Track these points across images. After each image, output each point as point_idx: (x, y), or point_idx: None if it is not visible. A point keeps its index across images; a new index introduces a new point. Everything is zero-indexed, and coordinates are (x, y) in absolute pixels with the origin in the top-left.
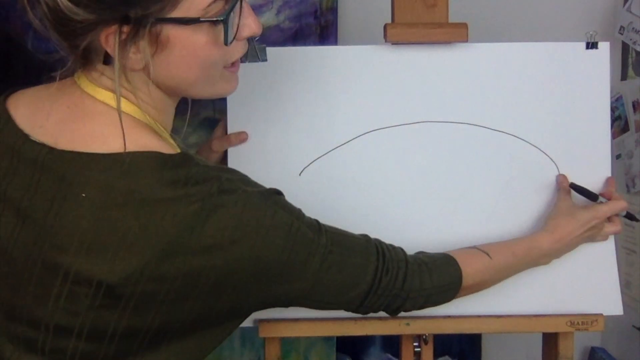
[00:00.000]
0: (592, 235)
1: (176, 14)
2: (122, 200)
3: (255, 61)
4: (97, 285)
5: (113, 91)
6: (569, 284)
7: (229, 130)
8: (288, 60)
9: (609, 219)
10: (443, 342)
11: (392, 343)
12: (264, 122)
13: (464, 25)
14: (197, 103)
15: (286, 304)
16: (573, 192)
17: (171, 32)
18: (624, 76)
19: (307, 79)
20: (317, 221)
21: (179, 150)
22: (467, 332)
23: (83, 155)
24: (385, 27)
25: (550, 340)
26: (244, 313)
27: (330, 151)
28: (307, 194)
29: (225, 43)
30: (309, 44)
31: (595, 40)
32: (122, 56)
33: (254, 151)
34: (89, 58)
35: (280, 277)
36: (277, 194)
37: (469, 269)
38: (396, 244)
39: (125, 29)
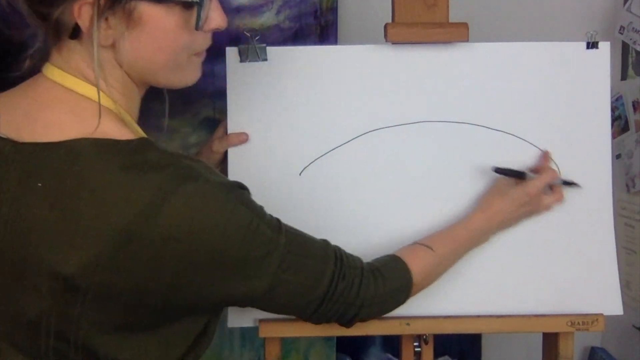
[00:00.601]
0: (532, 210)
1: None
2: (75, 188)
3: (255, 61)
4: (55, 278)
5: (77, 75)
6: (569, 284)
7: (229, 131)
8: (288, 60)
9: (552, 189)
10: (443, 342)
11: (392, 343)
12: (264, 122)
13: (464, 25)
14: (197, 103)
15: (244, 304)
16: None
17: (145, 10)
18: (624, 76)
19: (307, 79)
20: (278, 220)
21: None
22: (467, 332)
23: (41, 146)
24: (385, 27)
25: (550, 340)
26: (203, 310)
27: (330, 151)
28: (307, 194)
29: (197, 27)
30: (309, 44)
31: (596, 40)
32: (92, 30)
33: (254, 151)
34: (59, 32)
35: (237, 274)
36: (240, 188)
37: (416, 267)
38: (396, 244)
39: (102, 2)
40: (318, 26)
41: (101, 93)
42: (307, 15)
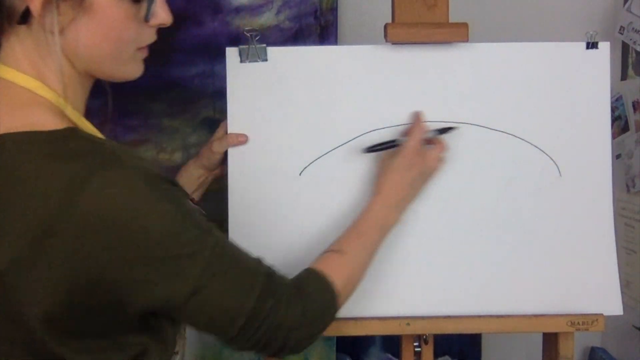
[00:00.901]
0: (421, 171)
1: None
2: (3, 181)
3: (255, 61)
4: None
5: (18, 67)
6: (569, 284)
7: (229, 131)
8: (288, 60)
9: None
10: (443, 342)
11: (392, 343)
12: (264, 122)
13: (464, 25)
14: (197, 103)
15: (170, 311)
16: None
17: None
18: (624, 76)
19: (307, 79)
20: (209, 224)
21: (87, 131)
22: (467, 332)
23: None
24: (385, 27)
25: (550, 340)
26: (129, 317)
27: (330, 151)
28: (307, 194)
29: (146, 19)
30: (309, 44)
31: (595, 40)
32: (44, 15)
33: (254, 151)
34: (8, 17)
35: (158, 272)
36: (170, 183)
37: (335, 276)
38: (396, 244)
39: None
40: (318, 26)
41: (41, 84)
42: (307, 15)
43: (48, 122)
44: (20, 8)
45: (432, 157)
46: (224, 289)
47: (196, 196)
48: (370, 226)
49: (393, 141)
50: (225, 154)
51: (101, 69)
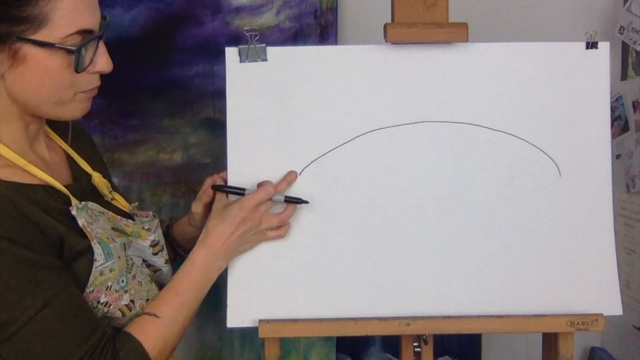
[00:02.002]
0: (254, 230)
1: (36, 37)
2: None
3: (255, 61)
4: None
5: None
6: (569, 284)
7: (229, 131)
8: (288, 60)
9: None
10: (443, 342)
11: (392, 343)
12: (264, 122)
13: (464, 25)
14: (197, 103)
15: None
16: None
17: (29, 51)
18: (624, 76)
19: (307, 79)
20: (48, 283)
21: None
22: (467, 332)
23: None
24: (385, 27)
25: (550, 340)
26: None
27: (330, 151)
28: (307, 194)
29: (76, 70)
30: (309, 44)
31: (595, 40)
32: None
33: (254, 151)
34: None
35: None
36: (2, 238)
37: (148, 342)
38: (396, 244)
39: None
40: (318, 26)
41: None
42: (307, 15)
43: None
44: None
45: (269, 220)
46: (40, 350)
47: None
48: (190, 282)
49: (243, 189)
50: (224, 160)
51: (41, 111)
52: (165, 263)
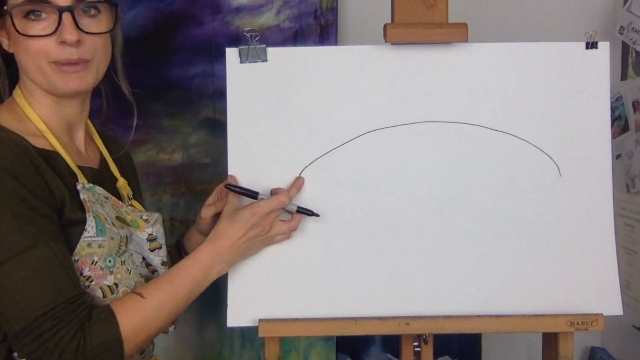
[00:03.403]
0: (263, 235)
1: (5, 6)
2: None
3: (255, 61)
4: None
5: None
6: (569, 283)
7: (229, 131)
8: (288, 60)
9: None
10: (443, 342)
11: (392, 343)
12: (264, 122)
13: (463, 26)
14: (197, 103)
15: None
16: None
17: (6, 20)
18: (624, 76)
19: (307, 79)
20: (41, 230)
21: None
22: (467, 332)
23: None
24: (385, 27)
25: (550, 340)
26: None
27: (330, 151)
28: (307, 194)
29: (17, 30)
30: (309, 44)
31: (595, 40)
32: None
33: (254, 151)
34: None
35: None
36: (13, 176)
37: (126, 320)
38: (396, 244)
39: None
40: (318, 26)
41: (21, 95)
42: (307, 15)
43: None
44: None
45: (279, 227)
46: (15, 290)
47: None
48: (188, 276)
49: (256, 194)
50: (225, 162)
51: (37, 81)
52: (162, 265)
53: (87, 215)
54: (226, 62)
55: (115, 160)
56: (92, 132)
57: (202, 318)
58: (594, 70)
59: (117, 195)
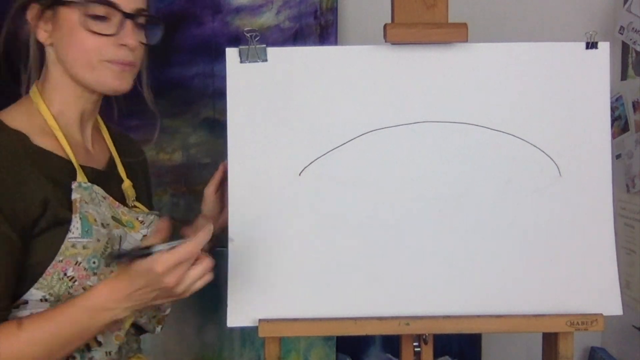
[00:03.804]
0: (172, 294)
1: None
2: None
3: (255, 61)
4: None
5: (38, 82)
6: (569, 283)
7: (229, 131)
8: (288, 60)
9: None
10: (443, 342)
11: (392, 343)
12: (264, 122)
13: (463, 25)
14: (197, 103)
15: None
16: None
17: (61, 12)
18: (624, 76)
19: (307, 79)
20: None
21: (48, 127)
22: (467, 332)
23: None
24: (385, 27)
25: (550, 340)
26: None
27: (330, 151)
28: (307, 194)
29: (84, 26)
30: (309, 44)
31: (595, 40)
32: (35, 32)
33: (254, 151)
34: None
35: None
36: None
37: (3, 348)
38: (396, 244)
39: (39, 7)
40: (318, 26)
41: (35, 88)
42: (307, 15)
43: (8, 117)
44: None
45: (192, 275)
46: None
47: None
48: (71, 318)
49: (149, 250)
50: (225, 154)
51: (77, 76)
52: None
53: (74, 216)
54: (226, 62)
55: (123, 161)
56: (102, 130)
57: (202, 318)
58: (594, 70)
59: (122, 196)
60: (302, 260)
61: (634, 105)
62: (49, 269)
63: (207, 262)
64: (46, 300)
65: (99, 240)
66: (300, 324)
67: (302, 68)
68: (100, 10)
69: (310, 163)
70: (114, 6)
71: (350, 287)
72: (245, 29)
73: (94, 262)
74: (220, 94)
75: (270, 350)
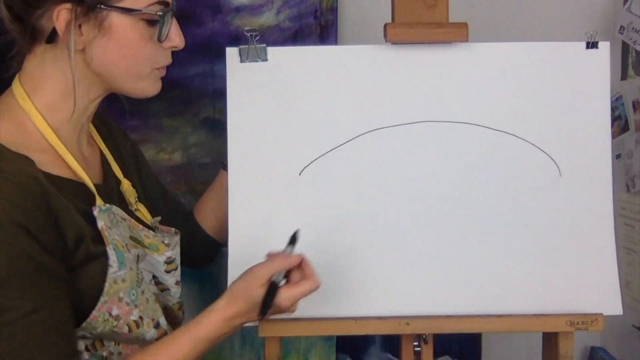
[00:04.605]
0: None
1: (122, 4)
2: None
3: (255, 61)
4: None
5: (21, 79)
6: (569, 283)
7: (229, 131)
8: (288, 60)
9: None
10: (443, 342)
11: (392, 343)
12: (264, 122)
13: (464, 25)
14: (197, 103)
15: None
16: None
17: (114, 21)
18: (624, 76)
19: (307, 79)
20: (45, 290)
21: (48, 137)
22: (467, 332)
23: None
24: (385, 27)
25: (550, 340)
26: None
27: (330, 151)
28: (307, 194)
29: (159, 39)
30: (309, 44)
31: (595, 40)
32: (67, 34)
33: (254, 151)
34: (34, 36)
35: None
36: (22, 230)
37: None
38: (396, 244)
39: (79, 9)
40: (318, 26)
41: (23, 93)
42: (307, 15)
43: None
44: (48, 29)
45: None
46: (19, 355)
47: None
48: (196, 344)
49: (273, 287)
50: (225, 153)
51: (118, 85)
52: (176, 284)
53: (107, 248)
54: (226, 62)
55: (111, 149)
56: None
57: None
58: (594, 70)
59: (122, 199)
60: None
61: (634, 105)
62: (94, 312)
63: (314, 283)
64: (84, 337)
65: (131, 269)
66: (300, 324)
67: (302, 68)
68: (154, 13)
69: (310, 163)
70: (166, 4)
71: (350, 287)
72: (246, 28)
73: (133, 294)
74: (220, 94)
75: (270, 350)
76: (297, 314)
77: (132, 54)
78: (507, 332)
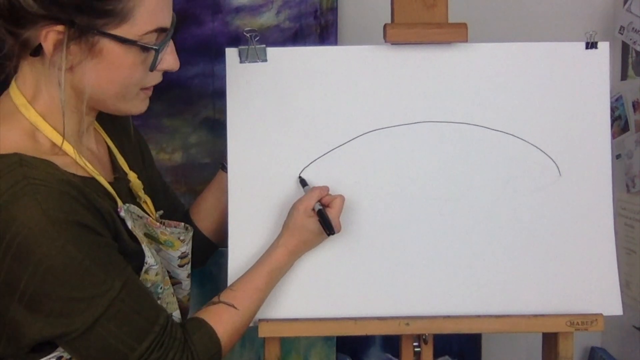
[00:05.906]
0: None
1: (116, 32)
2: None
3: (255, 61)
4: None
5: (19, 86)
6: (569, 283)
7: (229, 131)
8: (288, 60)
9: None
10: (443, 342)
11: (392, 343)
12: (264, 122)
13: (463, 26)
14: (197, 103)
15: (60, 342)
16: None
17: (106, 45)
18: (624, 76)
19: (307, 79)
20: (122, 265)
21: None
22: (467, 332)
23: None
24: (385, 27)
25: (550, 340)
26: (26, 342)
27: (330, 151)
28: None
29: (151, 69)
30: (309, 44)
31: (595, 40)
32: (55, 54)
33: (254, 151)
34: (23, 48)
35: (58, 312)
36: (78, 224)
37: (223, 331)
38: (396, 244)
39: (70, 32)
40: (318, 26)
41: (25, 102)
42: (307, 15)
43: (16, 145)
44: (35, 43)
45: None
46: (116, 332)
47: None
48: (270, 279)
49: (331, 230)
50: (225, 154)
51: (104, 106)
52: (187, 277)
53: (143, 245)
54: (226, 62)
55: (116, 142)
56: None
57: None
58: (594, 70)
59: (131, 192)
60: (301, 260)
61: (634, 105)
62: None
63: (341, 196)
64: None
65: (160, 264)
66: (300, 324)
67: (302, 68)
68: (151, 46)
69: (311, 163)
70: (164, 30)
71: (350, 287)
72: (245, 29)
73: (160, 289)
74: (220, 94)
75: (270, 350)
76: (297, 314)
77: (122, 78)
78: (507, 332)
